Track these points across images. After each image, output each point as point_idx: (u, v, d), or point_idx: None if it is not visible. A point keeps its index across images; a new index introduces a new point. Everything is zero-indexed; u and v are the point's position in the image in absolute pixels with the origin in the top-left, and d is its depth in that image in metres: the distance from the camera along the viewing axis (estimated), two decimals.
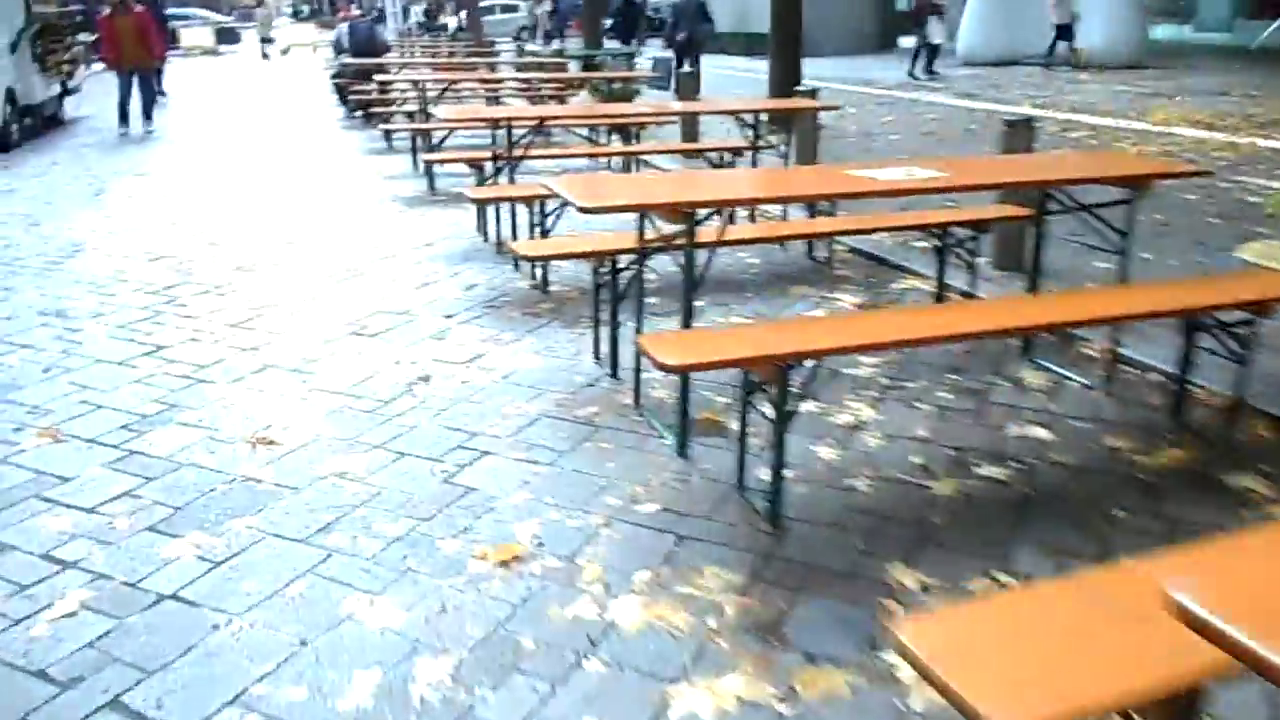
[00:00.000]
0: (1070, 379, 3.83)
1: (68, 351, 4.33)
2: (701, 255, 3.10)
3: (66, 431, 3.48)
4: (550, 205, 5.03)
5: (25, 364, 4.21)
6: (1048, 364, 3.95)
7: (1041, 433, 3.39)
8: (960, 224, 4.18)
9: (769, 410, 2.72)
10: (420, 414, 3.58)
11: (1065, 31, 17.07)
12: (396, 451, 3.27)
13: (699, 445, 3.24)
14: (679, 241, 3.04)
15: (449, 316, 4.76)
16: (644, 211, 3.04)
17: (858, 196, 3.16)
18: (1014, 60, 18.10)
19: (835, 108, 6.81)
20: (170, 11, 30.98)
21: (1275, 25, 19.30)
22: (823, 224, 4.26)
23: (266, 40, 30.50)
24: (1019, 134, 5.01)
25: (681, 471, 3.10)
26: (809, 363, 2.66)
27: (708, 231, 3.06)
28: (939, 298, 4.67)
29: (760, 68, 11.88)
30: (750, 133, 6.62)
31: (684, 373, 2.99)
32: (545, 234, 5.11)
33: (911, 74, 16.37)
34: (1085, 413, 3.54)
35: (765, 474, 2.93)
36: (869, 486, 3.00)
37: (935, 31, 16.32)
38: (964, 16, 18.88)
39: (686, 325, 3.07)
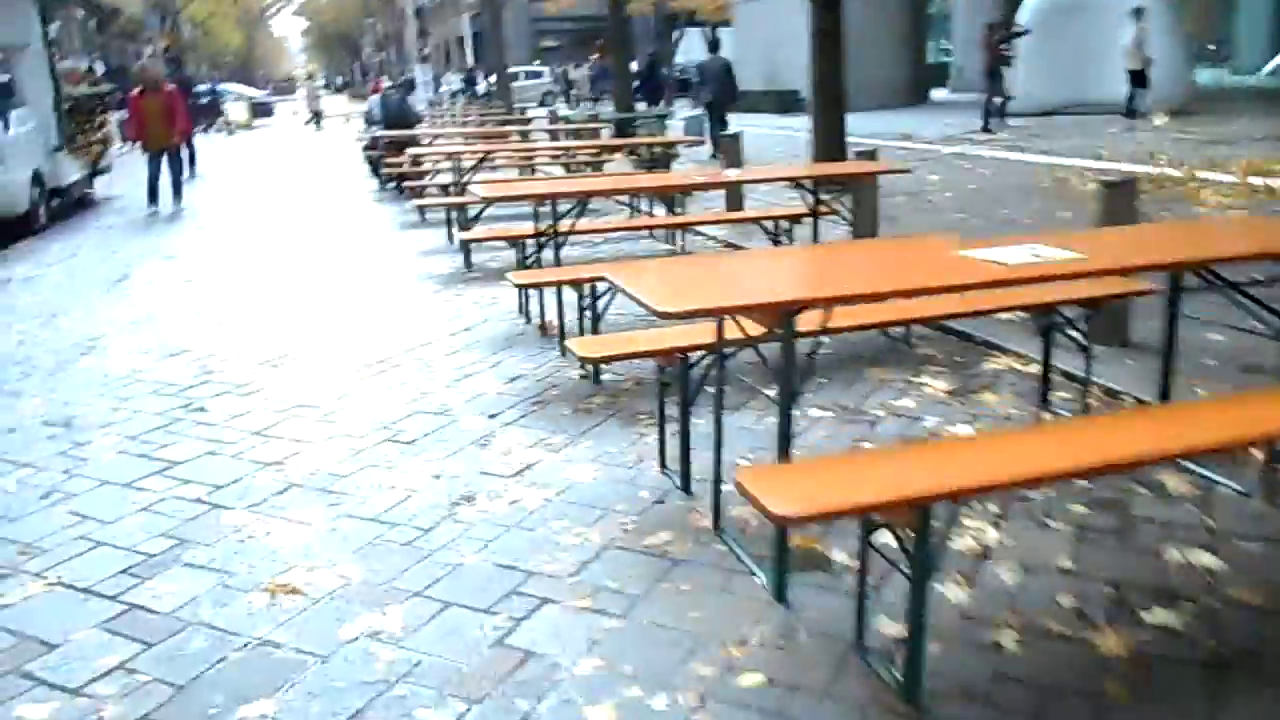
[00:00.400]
0: (1221, 484, 3.27)
1: (70, 471, 3.89)
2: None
3: (60, 577, 3.01)
4: (601, 286, 4.57)
5: (23, 487, 3.76)
6: (1189, 463, 3.39)
7: (1208, 559, 2.81)
8: (1076, 303, 3.66)
9: (892, 549, 2.19)
10: (465, 547, 3.07)
11: (1140, 78, 16.20)
12: (440, 601, 2.76)
13: (799, 584, 2.71)
14: (768, 337, 2.55)
15: (492, 416, 4.27)
16: (734, 315, 2.55)
17: (984, 287, 2.64)
18: (1065, 110, 17.63)
19: (905, 170, 6.35)
20: (204, 87, 31.68)
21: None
22: (924, 306, 3.74)
23: (317, 115, 31.32)
24: (1119, 197, 4.51)
25: (783, 624, 2.56)
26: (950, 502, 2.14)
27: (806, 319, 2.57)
28: (1045, 382, 4.12)
29: (793, 125, 11.52)
30: (806, 197, 6.18)
31: (804, 524, 2.47)
32: (597, 320, 4.64)
33: (986, 127, 15.79)
34: (1252, 531, 2.97)
35: (886, 625, 2.40)
36: (1017, 644, 2.44)
37: (1009, 83, 15.91)
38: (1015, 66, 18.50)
39: (785, 450, 2.55)
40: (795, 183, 6.26)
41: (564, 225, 5.50)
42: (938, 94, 26.02)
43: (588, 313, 4.77)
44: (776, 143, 14.97)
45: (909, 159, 12.44)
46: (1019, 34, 16.48)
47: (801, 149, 11.87)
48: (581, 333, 4.91)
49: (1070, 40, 17.62)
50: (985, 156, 12.37)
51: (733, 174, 7.24)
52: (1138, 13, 15.86)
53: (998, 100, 15.93)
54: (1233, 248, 2.94)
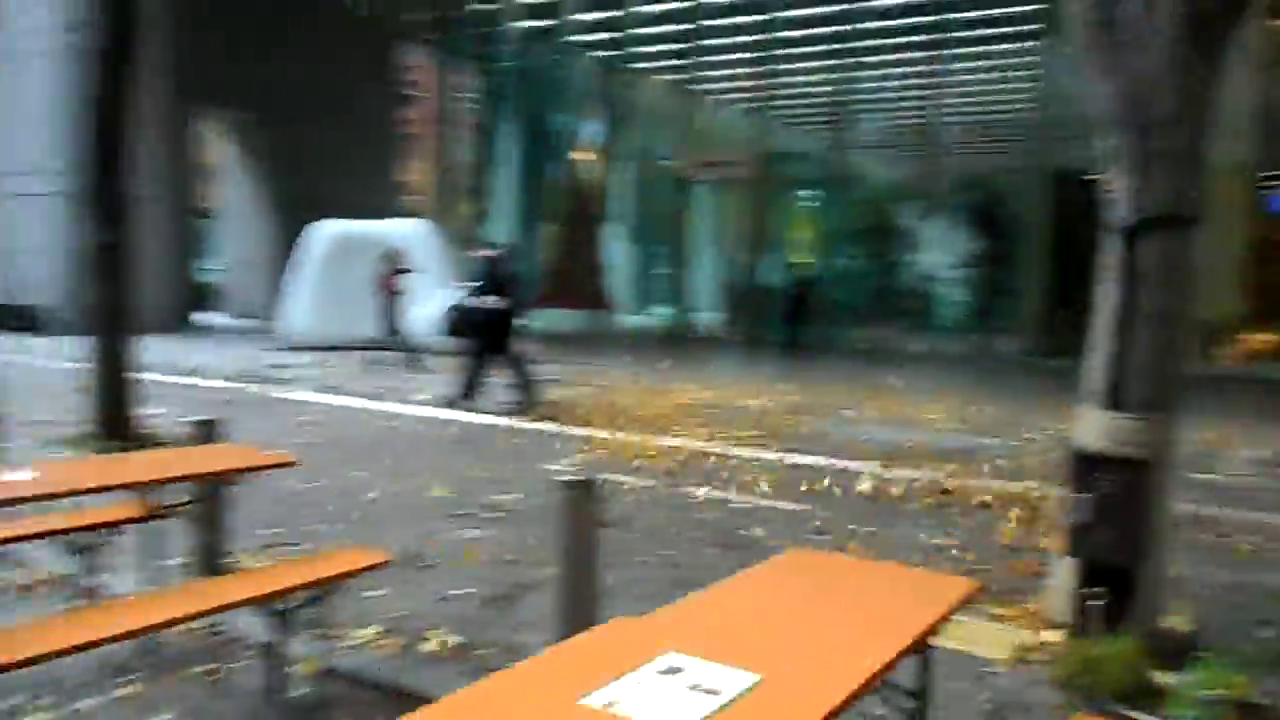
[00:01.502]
0: None
1: None
2: None
3: None
4: None
5: None
6: None
7: None
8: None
9: None
10: None
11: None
12: None
13: None
14: None
15: None
16: None
17: None
18: (347, 346, 17.17)
19: (289, 463, 4.55)
20: None
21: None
22: None
23: None
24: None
25: None
26: None
27: None
28: None
29: (34, 347, 8.81)
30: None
31: None
32: None
33: (412, 364, 14.56)
34: None
35: None
36: None
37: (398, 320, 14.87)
38: (292, 296, 17.61)
39: None
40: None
41: None
42: (204, 317, 24.12)
43: None
44: (21, 373, 11.59)
45: (211, 400, 10.41)
46: (405, 270, 15.74)
47: (63, 382, 9.15)
48: None
49: (355, 275, 17.56)
50: (310, 401, 10.95)
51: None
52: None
53: (398, 337, 15.07)
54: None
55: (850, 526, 6.12)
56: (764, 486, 7.17)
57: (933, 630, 2.19)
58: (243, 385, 12.09)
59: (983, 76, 22.57)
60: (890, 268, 22.68)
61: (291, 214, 21.61)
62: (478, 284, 11.01)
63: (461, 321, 12.40)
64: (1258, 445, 9.51)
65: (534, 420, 9.89)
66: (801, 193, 25.59)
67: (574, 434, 9.15)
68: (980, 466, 8.17)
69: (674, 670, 1.85)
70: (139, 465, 4.20)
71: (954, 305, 22.59)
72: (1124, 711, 2.47)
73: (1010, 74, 21.94)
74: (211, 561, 4.39)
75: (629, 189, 29.50)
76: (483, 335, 10.73)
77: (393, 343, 15.08)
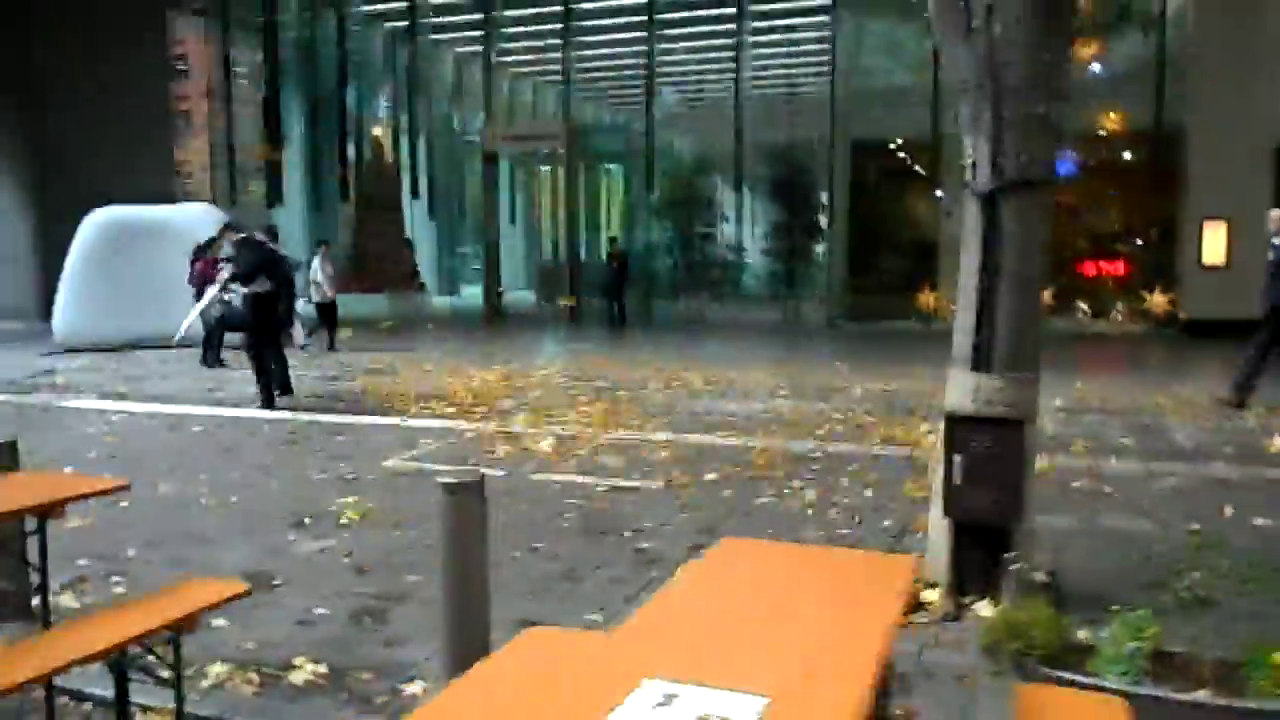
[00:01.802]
0: None
1: None
2: None
3: None
4: None
5: None
6: None
7: None
8: None
9: None
10: None
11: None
12: None
13: None
14: None
15: None
16: None
17: None
18: (132, 345, 15.68)
19: (122, 487, 3.87)
20: None
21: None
22: None
23: None
24: None
25: None
26: None
27: None
28: None
29: None
30: None
31: None
32: None
33: (211, 361, 13.21)
34: None
35: None
36: None
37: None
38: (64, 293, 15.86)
39: None
40: None
41: None
42: None
43: None
44: None
45: None
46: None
47: None
48: None
49: (135, 267, 15.98)
50: (101, 410, 9.82)
51: None
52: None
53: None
54: None
55: (721, 500, 6.07)
56: (617, 465, 7.02)
57: (901, 615, 2.07)
58: (15, 396, 10.73)
59: (781, 49, 23.25)
60: (700, 239, 23.06)
61: (55, 203, 19.51)
62: (237, 271, 10.13)
63: (230, 312, 11.58)
64: (1057, 394, 10.24)
65: (356, 415, 9.31)
66: (610, 166, 25.57)
67: (408, 425, 8.67)
68: (820, 429, 8.36)
69: (668, 699, 1.63)
70: None
71: (762, 275, 23.27)
72: (1062, 674, 2.47)
73: (808, 47, 22.69)
74: (29, 606, 3.77)
75: (435, 166, 28.56)
76: (251, 324, 9.89)
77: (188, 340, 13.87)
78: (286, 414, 9.34)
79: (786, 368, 13.12)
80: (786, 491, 6.28)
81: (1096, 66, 19.01)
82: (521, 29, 25.12)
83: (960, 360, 4.34)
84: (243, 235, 10.51)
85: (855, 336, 18.97)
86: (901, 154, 21.28)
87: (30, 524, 3.46)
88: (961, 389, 4.32)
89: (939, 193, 19.98)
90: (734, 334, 19.18)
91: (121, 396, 10.68)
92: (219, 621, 3.99)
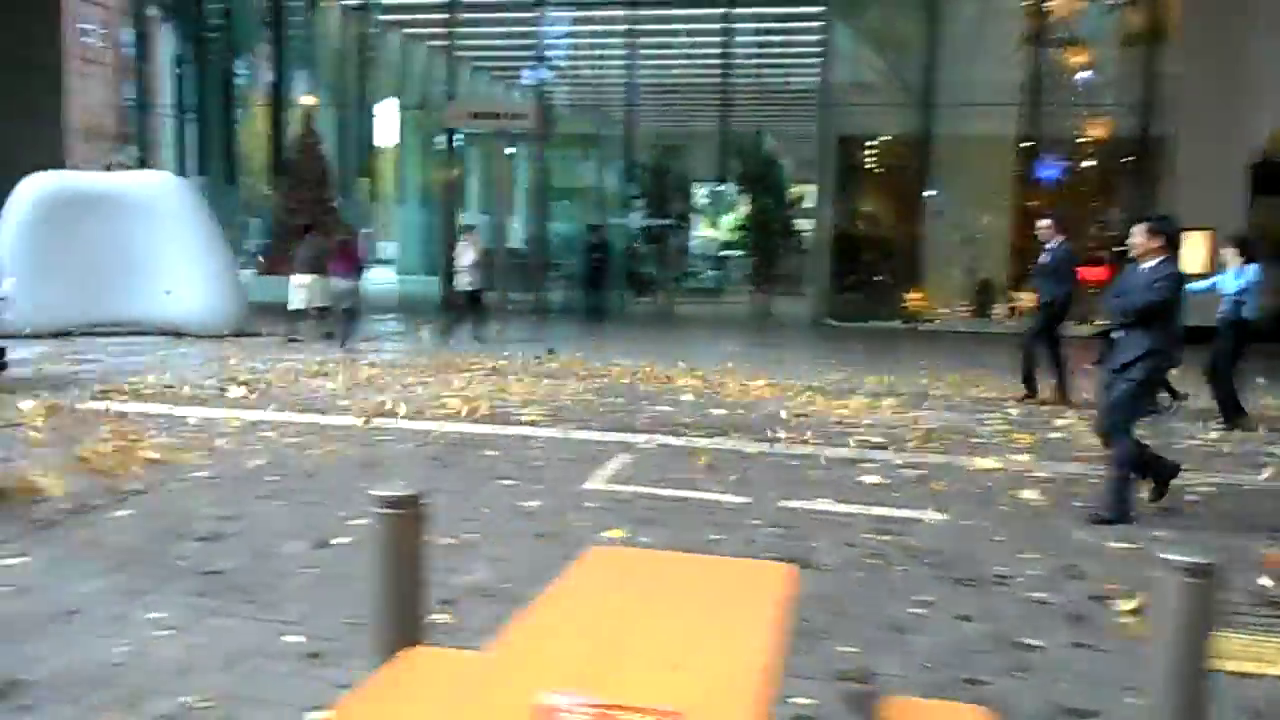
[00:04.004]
0: None
1: None
2: None
3: None
4: None
5: None
6: None
7: None
8: None
9: None
10: None
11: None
12: None
13: None
14: None
15: None
16: None
17: None
18: (90, 330, 13.75)
19: None
20: None
21: None
22: None
23: None
24: None
25: None
26: None
27: None
28: None
29: None
30: None
31: None
32: None
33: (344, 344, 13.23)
34: None
35: None
36: None
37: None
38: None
39: None
40: None
41: None
42: None
43: None
44: None
45: None
46: None
47: None
48: None
49: (85, 242, 13.96)
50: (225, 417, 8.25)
51: None
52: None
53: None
54: None
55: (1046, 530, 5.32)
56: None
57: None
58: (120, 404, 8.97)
59: (766, 40, 22.59)
60: (676, 230, 22.23)
61: None
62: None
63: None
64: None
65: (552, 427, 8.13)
66: (582, 152, 24.36)
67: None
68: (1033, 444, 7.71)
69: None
70: None
71: (740, 269, 22.63)
72: None
73: (792, 39, 22.18)
74: None
75: (386, 142, 26.65)
76: None
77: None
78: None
79: (865, 370, 12.22)
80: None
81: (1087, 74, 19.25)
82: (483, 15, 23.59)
83: None
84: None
85: (854, 335, 18.46)
86: (891, 149, 20.96)
87: None
88: None
89: (929, 193, 19.84)
90: (731, 330, 18.47)
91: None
92: None
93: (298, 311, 14.20)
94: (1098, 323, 15.27)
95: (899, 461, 7.13)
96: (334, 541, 5.01)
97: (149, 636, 3.84)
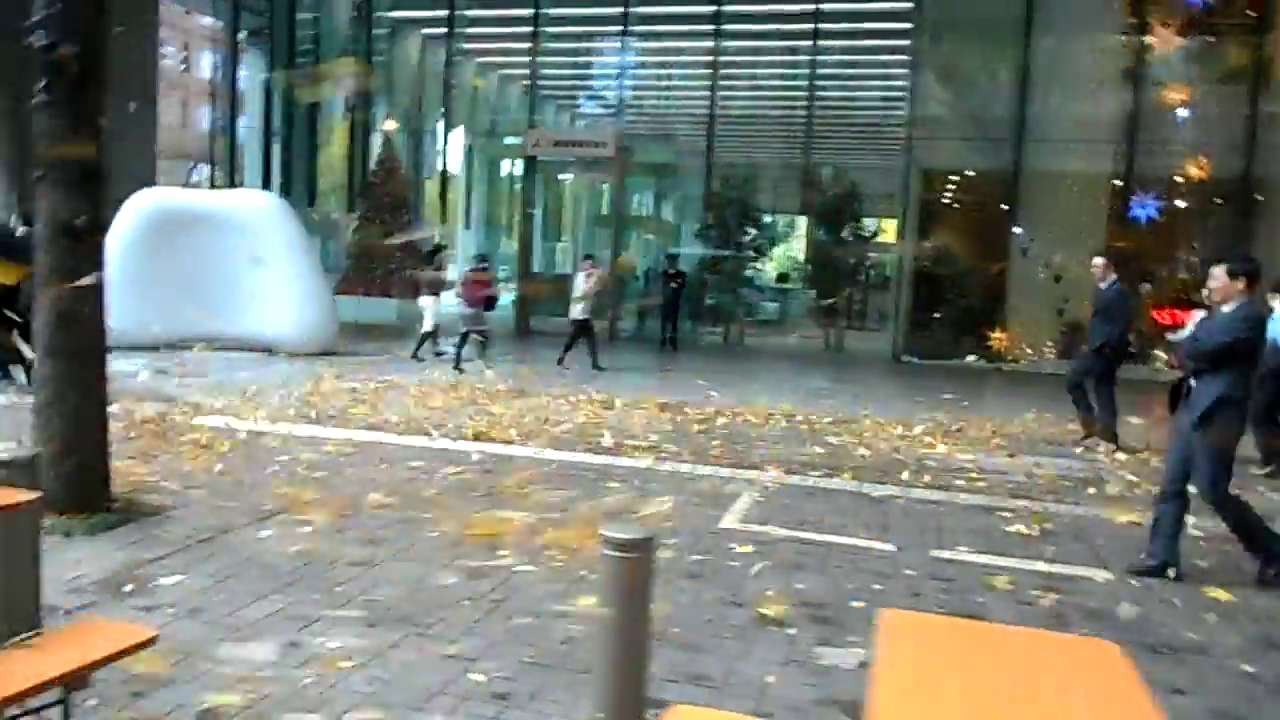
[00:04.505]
0: None
1: None
2: None
3: None
4: None
5: None
6: None
7: None
8: None
9: None
10: None
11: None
12: None
13: None
14: None
15: None
16: None
17: None
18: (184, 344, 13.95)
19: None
20: None
21: None
22: None
23: None
24: None
25: None
26: None
27: None
28: None
29: None
30: None
31: None
32: None
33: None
34: None
35: None
36: None
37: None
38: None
39: None
40: None
41: None
42: None
43: None
44: None
45: None
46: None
47: None
48: None
49: (186, 258, 14.21)
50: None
51: None
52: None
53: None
54: None
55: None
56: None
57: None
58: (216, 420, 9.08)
59: (852, 72, 22.51)
60: (750, 261, 22.02)
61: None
62: None
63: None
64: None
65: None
66: (661, 181, 24.40)
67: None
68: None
69: None
70: None
71: (812, 302, 22.33)
72: None
73: (883, 71, 22.03)
74: None
75: (470, 169, 26.95)
76: None
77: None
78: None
79: (963, 410, 11.77)
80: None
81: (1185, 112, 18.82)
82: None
83: None
84: None
85: (936, 373, 18.06)
86: (977, 184, 20.63)
87: None
88: None
89: (1016, 229, 19.48)
90: (808, 365, 18.20)
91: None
92: None
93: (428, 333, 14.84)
94: (1165, 363, 14.92)
95: (1037, 510, 6.89)
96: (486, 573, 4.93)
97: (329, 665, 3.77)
